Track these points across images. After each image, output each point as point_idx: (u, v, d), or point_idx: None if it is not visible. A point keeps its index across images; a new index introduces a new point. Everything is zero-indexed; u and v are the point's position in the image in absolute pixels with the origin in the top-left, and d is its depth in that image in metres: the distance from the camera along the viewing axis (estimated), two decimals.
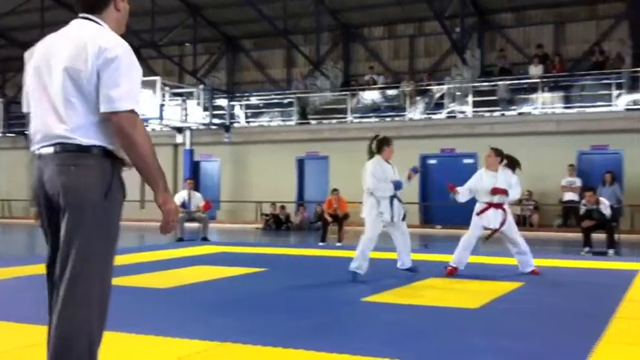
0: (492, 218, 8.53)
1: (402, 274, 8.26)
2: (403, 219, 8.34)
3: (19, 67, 23.99)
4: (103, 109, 2.69)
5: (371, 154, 8.51)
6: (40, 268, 8.68)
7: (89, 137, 2.71)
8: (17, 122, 27.11)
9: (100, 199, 2.73)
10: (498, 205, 8.54)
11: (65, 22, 2.94)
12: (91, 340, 2.77)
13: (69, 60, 2.72)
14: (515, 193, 8.71)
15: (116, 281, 7.60)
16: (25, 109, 2.92)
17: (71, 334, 2.71)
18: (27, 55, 2.93)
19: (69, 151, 2.71)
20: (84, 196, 2.70)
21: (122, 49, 2.74)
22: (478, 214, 8.63)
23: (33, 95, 2.84)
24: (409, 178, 8.62)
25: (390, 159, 8.48)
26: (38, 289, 7.34)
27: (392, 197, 8.14)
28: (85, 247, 2.72)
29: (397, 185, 8.20)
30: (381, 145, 8.50)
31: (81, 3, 2.88)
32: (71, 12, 2.99)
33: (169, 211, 2.82)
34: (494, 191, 8.59)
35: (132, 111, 2.71)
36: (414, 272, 8.14)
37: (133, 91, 2.73)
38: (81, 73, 2.69)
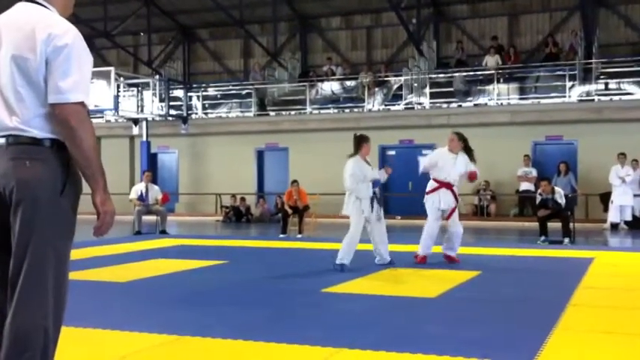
0: (444, 199, 8.73)
1: (360, 264, 8.28)
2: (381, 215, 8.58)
3: None
4: (50, 100, 2.55)
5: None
6: None
7: (43, 129, 2.59)
8: None
9: (55, 194, 2.63)
10: (449, 186, 8.72)
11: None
12: (47, 338, 2.68)
13: (15, 48, 2.57)
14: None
15: (73, 275, 7.44)
16: None
17: (27, 332, 2.61)
18: None
19: (22, 144, 2.58)
20: (39, 192, 2.58)
21: (73, 37, 2.60)
22: (428, 193, 8.85)
23: None
24: (387, 173, 8.93)
25: (368, 156, 8.52)
26: None
27: (373, 195, 8.26)
28: (41, 244, 2.62)
29: (375, 183, 8.40)
30: (359, 144, 8.52)
31: None
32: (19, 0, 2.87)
33: (107, 212, 2.69)
34: (472, 176, 9.06)
35: (81, 103, 2.58)
36: (393, 265, 8.25)
37: (84, 81, 2.60)
38: (29, 61, 2.55)
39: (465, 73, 20.48)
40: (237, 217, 19.87)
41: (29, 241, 2.60)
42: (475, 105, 20.06)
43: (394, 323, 4.88)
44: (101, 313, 5.35)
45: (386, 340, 4.28)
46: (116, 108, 20.34)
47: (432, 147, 20.12)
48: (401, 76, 21.06)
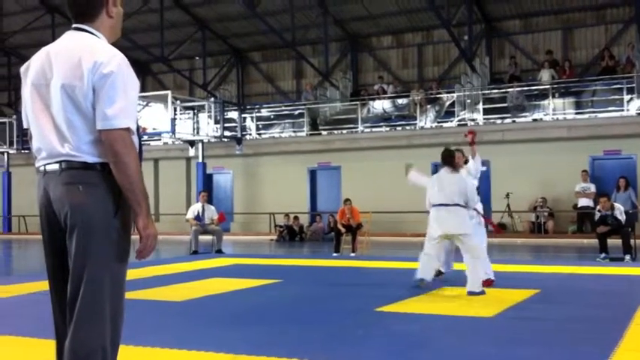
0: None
1: (412, 282, 8.24)
2: None
3: None
4: (99, 126, 2.63)
5: (454, 166, 7.94)
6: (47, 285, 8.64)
7: (93, 155, 2.67)
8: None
9: (109, 217, 2.70)
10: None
11: None
12: (106, 358, 2.75)
13: (65, 77, 2.66)
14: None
15: (131, 295, 7.65)
16: (25, 125, 2.88)
17: (87, 354, 2.68)
18: (23, 69, 2.85)
19: (75, 169, 2.67)
20: (93, 216, 2.66)
21: (118, 63, 2.67)
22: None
23: (33, 112, 2.77)
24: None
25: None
26: (49, 304, 7.37)
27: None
28: (96, 267, 2.69)
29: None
30: (452, 157, 7.99)
31: (73, 12, 2.80)
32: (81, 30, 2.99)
33: (149, 236, 2.75)
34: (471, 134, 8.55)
35: (127, 129, 2.65)
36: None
37: (129, 107, 2.67)
38: (76, 89, 2.63)
39: (519, 89, 20.22)
40: (290, 236, 19.99)
41: (85, 264, 2.68)
42: (531, 120, 19.76)
43: (449, 343, 4.84)
44: (158, 331, 5.46)
45: None
46: (173, 130, 20.82)
47: (485, 163, 19.89)
48: (453, 92, 20.94)
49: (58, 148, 2.69)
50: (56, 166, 2.70)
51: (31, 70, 2.80)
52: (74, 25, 2.79)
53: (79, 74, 2.63)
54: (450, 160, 7.93)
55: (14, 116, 27.04)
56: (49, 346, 4.83)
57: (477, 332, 5.26)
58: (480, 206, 8.39)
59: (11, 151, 26.60)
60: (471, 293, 7.27)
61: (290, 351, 4.49)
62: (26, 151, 26.93)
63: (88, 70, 2.62)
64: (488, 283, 7.84)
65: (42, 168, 2.78)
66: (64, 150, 2.67)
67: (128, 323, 6.16)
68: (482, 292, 7.31)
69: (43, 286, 8.53)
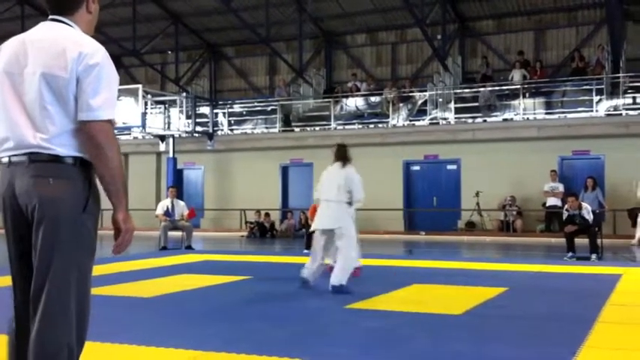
0: None
1: (385, 280, 8.26)
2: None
3: None
4: (81, 117, 2.59)
5: (345, 161, 7.79)
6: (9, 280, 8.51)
7: (66, 147, 2.62)
8: None
9: (78, 212, 2.66)
10: None
11: None
12: (72, 355, 2.69)
13: (45, 65, 2.61)
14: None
15: (99, 291, 7.54)
16: None
17: (52, 350, 2.62)
18: None
19: (45, 162, 2.61)
20: (62, 210, 2.61)
21: (102, 56, 2.66)
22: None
23: (2, 100, 2.68)
24: None
25: None
26: (7, 300, 7.24)
27: None
28: (64, 262, 2.64)
29: None
30: (347, 153, 7.90)
31: (52, 3, 2.76)
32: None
33: (128, 230, 2.74)
34: None
35: (109, 121, 2.64)
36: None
37: (112, 100, 2.65)
38: (59, 79, 2.59)
39: (490, 88, 20.41)
40: (261, 232, 19.94)
41: (52, 259, 2.62)
42: (501, 120, 19.96)
43: (419, 340, 4.86)
44: (127, 328, 5.40)
45: (411, 357, 4.27)
46: (143, 125, 20.62)
47: (457, 162, 20.10)
48: (426, 91, 21.07)
49: (28, 139, 2.61)
50: (24, 158, 2.62)
51: (2, 58, 2.72)
52: (52, 17, 2.74)
53: (62, 64, 2.58)
54: (344, 155, 7.78)
55: None
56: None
57: (446, 329, 5.30)
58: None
59: None
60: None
61: (260, 348, 4.47)
62: None
63: (72, 60, 2.58)
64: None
65: (6, 159, 2.69)
66: (35, 141, 2.60)
67: (97, 320, 6.09)
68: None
69: (4, 281, 8.39)
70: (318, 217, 7.72)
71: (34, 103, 2.61)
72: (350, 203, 7.60)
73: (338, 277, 7.37)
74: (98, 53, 2.64)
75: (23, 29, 25.87)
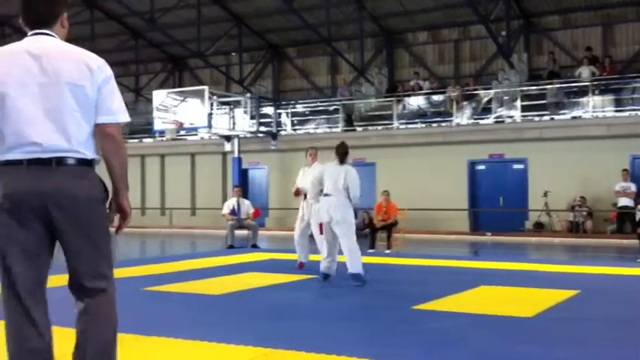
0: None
1: (451, 281, 8.18)
2: None
3: None
4: (103, 120, 2.92)
5: (345, 159, 8.40)
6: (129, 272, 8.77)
7: (89, 149, 2.93)
8: None
9: (104, 208, 3.01)
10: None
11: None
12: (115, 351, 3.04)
13: (69, 76, 2.87)
14: None
15: (168, 287, 7.74)
16: None
17: (106, 346, 3.02)
18: None
19: (70, 164, 2.87)
20: (95, 209, 2.93)
21: (109, 68, 3.04)
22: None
23: (23, 108, 2.83)
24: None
25: None
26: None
27: None
28: (101, 256, 2.96)
29: None
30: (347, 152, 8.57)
31: (31, 19, 2.96)
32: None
33: (130, 213, 3.10)
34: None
35: (121, 123, 3.02)
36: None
37: (123, 104, 3.03)
38: (84, 88, 2.88)
39: (558, 85, 19.92)
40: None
41: (90, 255, 2.94)
42: (570, 118, 19.46)
43: (489, 342, 4.80)
44: (197, 324, 5.51)
45: (479, 359, 4.21)
46: (209, 125, 21.01)
47: (523, 161, 19.70)
48: (490, 89, 20.72)
49: (57, 144, 2.84)
50: (53, 161, 2.84)
51: (7, 69, 2.86)
52: (38, 31, 2.96)
53: (85, 75, 2.88)
54: (342, 152, 8.40)
55: None
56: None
57: (517, 332, 5.21)
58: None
59: None
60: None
61: (328, 346, 4.50)
62: None
63: (94, 71, 2.90)
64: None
65: (30, 161, 2.83)
66: (63, 145, 2.85)
67: (166, 315, 6.28)
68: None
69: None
70: (321, 211, 8.21)
71: (61, 110, 2.85)
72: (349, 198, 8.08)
73: (353, 266, 7.87)
74: (107, 66, 3.02)
75: (93, 33, 26.74)
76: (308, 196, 9.25)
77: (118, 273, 9.62)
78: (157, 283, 8.08)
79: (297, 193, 9.85)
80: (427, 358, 4.18)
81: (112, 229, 3.10)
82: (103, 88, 2.92)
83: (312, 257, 9.68)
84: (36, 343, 2.91)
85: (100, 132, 2.93)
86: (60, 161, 2.84)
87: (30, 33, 2.97)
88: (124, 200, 3.05)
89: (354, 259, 7.90)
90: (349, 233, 7.98)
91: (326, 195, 8.18)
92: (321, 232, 8.43)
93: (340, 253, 8.24)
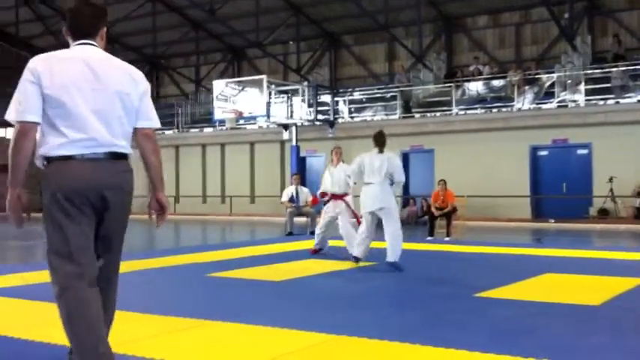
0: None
1: (514, 269, 8.07)
2: None
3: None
4: (145, 125, 3.38)
5: (384, 147, 8.55)
6: (158, 262, 9.00)
7: (128, 148, 3.35)
8: None
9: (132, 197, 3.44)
10: (338, 197, 9.85)
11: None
12: None
13: (119, 84, 3.28)
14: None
15: (229, 274, 7.87)
16: (33, 119, 3.14)
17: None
18: (41, 68, 3.16)
19: (120, 159, 3.29)
20: (130, 196, 3.39)
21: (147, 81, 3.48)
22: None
23: (77, 108, 3.17)
24: None
25: None
26: (156, 281, 7.68)
27: None
28: (121, 241, 3.45)
29: None
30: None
31: (81, 31, 3.32)
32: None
33: (168, 207, 3.55)
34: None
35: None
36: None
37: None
38: (130, 96, 3.30)
39: (623, 68, 19.27)
40: None
41: (118, 240, 3.41)
42: (636, 101, 18.82)
43: (555, 331, 4.71)
44: (259, 310, 5.59)
45: (547, 348, 4.14)
46: (268, 114, 21.19)
47: (587, 146, 19.18)
48: (553, 73, 20.22)
49: (109, 139, 3.23)
50: (107, 155, 3.24)
51: (64, 72, 3.17)
52: (86, 41, 3.33)
53: (132, 85, 3.32)
54: (382, 141, 8.55)
55: None
56: (156, 320, 5.07)
57: (583, 320, 5.10)
58: (349, 198, 9.85)
59: None
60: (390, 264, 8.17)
61: (392, 334, 4.50)
62: None
63: (137, 82, 3.35)
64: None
65: (88, 156, 3.19)
66: (114, 142, 3.25)
67: (228, 301, 6.40)
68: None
69: (149, 263, 8.91)
70: (365, 200, 8.40)
71: (112, 113, 3.25)
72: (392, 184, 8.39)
73: (394, 254, 8.15)
74: (145, 79, 3.44)
75: (154, 25, 27.32)
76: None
77: (182, 259, 9.87)
78: (219, 269, 8.24)
79: (323, 196, 10.30)
80: (494, 346, 4.13)
81: (153, 221, 3.52)
82: (144, 97, 3.36)
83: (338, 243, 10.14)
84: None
85: (141, 134, 3.38)
86: (111, 156, 3.24)
87: (75, 43, 3.32)
88: (162, 194, 3.48)
89: (396, 246, 8.18)
90: (395, 218, 8.32)
91: (368, 184, 8.36)
92: (359, 222, 8.94)
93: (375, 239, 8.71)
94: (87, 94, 3.18)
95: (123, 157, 3.31)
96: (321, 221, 10.23)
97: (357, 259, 8.64)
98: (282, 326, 4.80)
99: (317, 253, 10.13)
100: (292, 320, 5.01)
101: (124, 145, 3.29)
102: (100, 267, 3.28)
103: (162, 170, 3.46)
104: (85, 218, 3.20)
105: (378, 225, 8.54)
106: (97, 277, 3.24)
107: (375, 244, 10.15)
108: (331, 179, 10.09)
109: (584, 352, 4.08)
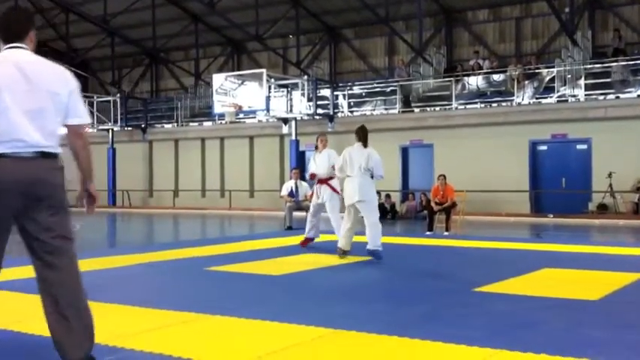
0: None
1: (513, 264, 8.07)
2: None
3: (133, 64, 24.99)
4: (74, 121, 3.50)
5: (366, 142, 8.93)
6: (157, 256, 8.98)
7: (58, 146, 3.47)
8: (134, 116, 28.50)
9: (66, 193, 3.51)
10: (322, 181, 9.95)
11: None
12: None
13: (50, 84, 3.40)
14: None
15: (229, 268, 7.86)
16: None
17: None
18: None
19: (49, 157, 3.39)
20: (63, 193, 3.46)
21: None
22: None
23: (8, 110, 3.29)
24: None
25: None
26: (154, 275, 7.68)
27: None
28: (69, 236, 3.47)
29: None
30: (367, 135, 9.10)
31: (8, 34, 3.45)
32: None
33: (97, 197, 3.67)
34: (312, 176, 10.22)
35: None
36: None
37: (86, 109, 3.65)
38: (60, 95, 3.43)
39: (624, 63, 19.25)
40: (382, 214, 19.93)
41: (63, 235, 3.41)
42: (636, 96, 18.80)
43: (554, 326, 4.71)
44: (257, 304, 5.59)
45: (547, 343, 4.14)
46: (267, 108, 21.16)
47: (587, 141, 19.17)
48: (553, 67, 20.19)
49: (38, 140, 3.34)
50: (37, 154, 3.35)
51: None
52: (16, 45, 3.45)
53: (62, 84, 3.45)
54: (363, 136, 8.95)
55: (118, 95, 28.20)
56: (154, 314, 5.07)
57: (582, 315, 5.10)
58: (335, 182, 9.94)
59: (115, 128, 27.78)
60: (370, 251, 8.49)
61: (390, 328, 4.50)
62: (129, 128, 28.08)
63: (67, 81, 3.48)
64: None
65: (20, 155, 3.30)
66: (43, 142, 3.35)
67: (226, 295, 6.40)
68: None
69: (148, 257, 8.89)
70: (346, 192, 8.74)
71: (43, 113, 3.37)
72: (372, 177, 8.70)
73: (373, 242, 8.45)
74: (74, 77, 3.57)
75: (154, 18, 27.24)
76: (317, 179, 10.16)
77: (181, 253, 9.87)
78: (218, 263, 8.23)
79: (313, 176, 10.36)
80: (494, 341, 4.13)
81: (84, 210, 3.69)
82: (72, 94, 3.48)
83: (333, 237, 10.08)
84: None
85: (71, 131, 3.52)
86: (41, 155, 3.36)
87: (6, 47, 3.47)
88: (92, 185, 3.63)
89: (375, 234, 8.49)
90: (373, 210, 8.65)
91: (350, 177, 8.69)
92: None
93: (359, 233, 8.85)
94: (19, 96, 3.32)
95: (52, 156, 3.42)
96: (310, 210, 10.38)
97: (343, 252, 8.76)
98: (280, 320, 4.80)
99: (308, 243, 10.22)
100: (290, 314, 5.01)
101: (53, 145, 3.41)
102: (50, 261, 3.38)
103: (91, 163, 3.60)
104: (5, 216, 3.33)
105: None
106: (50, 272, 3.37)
107: None
108: (315, 164, 10.29)
109: (582, 347, 4.07)
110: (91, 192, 3.64)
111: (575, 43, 20.17)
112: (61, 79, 3.49)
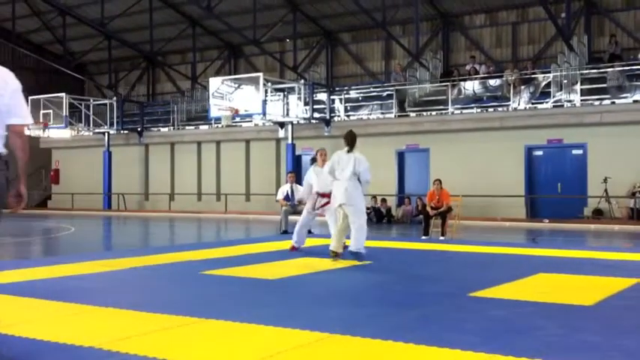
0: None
1: (508, 269, 8.07)
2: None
3: (130, 67, 24.99)
4: (16, 121, 3.62)
5: (354, 146, 9.13)
6: (152, 259, 9.02)
7: (2, 146, 3.58)
8: (130, 120, 28.49)
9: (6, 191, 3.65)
10: (325, 195, 9.93)
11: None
12: None
13: None
14: None
15: (224, 272, 7.85)
16: None
17: None
18: None
19: None
20: (4, 194, 3.59)
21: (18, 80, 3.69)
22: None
23: None
24: None
25: None
26: (150, 279, 7.67)
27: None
28: None
29: None
30: (355, 140, 9.30)
31: None
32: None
33: (25, 197, 3.74)
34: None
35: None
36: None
37: (27, 109, 3.76)
38: (3, 97, 3.54)
39: (620, 68, 19.32)
40: (378, 218, 19.97)
41: None
42: (632, 102, 18.86)
43: (549, 331, 4.72)
44: (253, 308, 5.59)
45: (541, 347, 4.15)
46: (264, 112, 21.15)
47: (583, 146, 19.22)
48: (549, 72, 20.25)
49: None
50: None
51: None
52: None
53: (3, 85, 3.56)
54: (351, 141, 9.16)
55: (114, 98, 28.18)
56: (150, 318, 5.06)
57: (576, 320, 5.11)
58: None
59: (112, 132, 27.77)
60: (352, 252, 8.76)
61: (384, 332, 4.50)
62: (125, 132, 28.06)
63: (9, 82, 3.58)
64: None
65: None
66: None
67: (222, 299, 6.39)
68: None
69: (143, 261, 8.90)
70: (335, 195, 9.03)
71: None
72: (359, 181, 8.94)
73: (355, 244, 8.74)
74: (15, 77, 3.66)
75: (151, 22, 27.22)
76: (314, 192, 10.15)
77: (176, 257, 9.86)
78: (214, 267, 8.22)
79: (324, 196, 10.01)
80: (489, 345, 4.14)
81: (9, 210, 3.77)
82: (15, 95, 3.59)
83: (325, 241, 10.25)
84: None
85: (12, 131, 3.63)
86: None
87: None
88: (23, 185, 3.72)
89: (359, 237, 8.76)
90: (358, 213, 8.87)
91: (338, 180, 8.96)
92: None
93: (348, 237, 9.02)
94: None
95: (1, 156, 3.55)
96: (302, 219, 10.34)
97: (335, 255, 8.88)
98: (275, 324, 4.80)
99: (295, 250, 10.22)
100: (286, 318, 5.01)
101: (1, 145, 3.53)
102: None
103: (27, 165, 3.70)
104: None
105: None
106: None
107: (370, 243, 10.17)
108: (317, 180, 10.18)
109: (577, 352, 4.08)
110: (21, 192, 3.72)
111: (571, 49, 20.23)
112: (2, 81, 3.59)
